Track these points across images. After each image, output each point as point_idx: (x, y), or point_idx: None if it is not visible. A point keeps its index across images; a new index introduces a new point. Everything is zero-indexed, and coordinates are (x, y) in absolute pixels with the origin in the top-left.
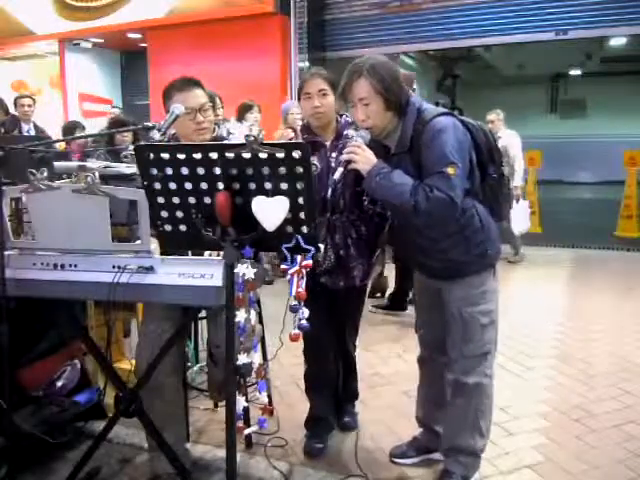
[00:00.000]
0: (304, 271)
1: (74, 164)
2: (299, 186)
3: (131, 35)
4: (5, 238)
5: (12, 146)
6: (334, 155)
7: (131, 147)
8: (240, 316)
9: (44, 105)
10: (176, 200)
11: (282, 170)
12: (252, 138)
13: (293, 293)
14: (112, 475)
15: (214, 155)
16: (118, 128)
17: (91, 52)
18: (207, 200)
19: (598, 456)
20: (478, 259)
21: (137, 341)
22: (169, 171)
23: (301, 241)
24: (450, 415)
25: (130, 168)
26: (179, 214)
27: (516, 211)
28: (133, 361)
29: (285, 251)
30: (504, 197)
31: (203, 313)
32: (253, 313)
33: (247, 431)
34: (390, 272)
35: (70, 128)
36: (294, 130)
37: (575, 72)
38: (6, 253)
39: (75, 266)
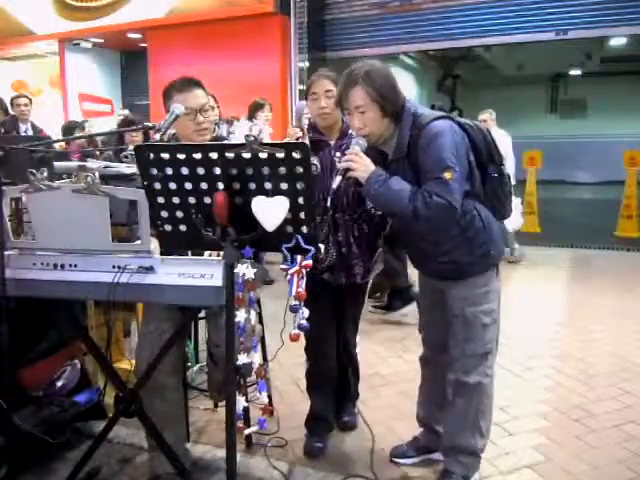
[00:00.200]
0: (304, 271)
1: (74, 164)
2: (299, 186)
3: (131, 35)
4: (5, 238)
5: (12, 146)
6: (338, 154)
7: (131, 147)
8: (240, 316)
9: (44, 105)
10: (176, 200)
11: (282, 170)
12: (252, 138)
13: (293, 293)
14: (112, 475)
15: (214, 155)
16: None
17: (91, 52)
18: (207, 200)
19: (598, 456)
20: (481, 260)
21: (137, 341)
22: (169, 171)
23: (301, 241)
24: (450, 414)
25: (130, 168)
26: (179, 214)
27: None
28: (133, 361)
29: (285, 251)
30: (506, 196)
31: (203, 313)
32: (253, 313)
33: (247, 431)
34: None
35: (70, 128)
36: (302, 129)
37: (575, 72)
38: (6, 253)
39: (75, 266)
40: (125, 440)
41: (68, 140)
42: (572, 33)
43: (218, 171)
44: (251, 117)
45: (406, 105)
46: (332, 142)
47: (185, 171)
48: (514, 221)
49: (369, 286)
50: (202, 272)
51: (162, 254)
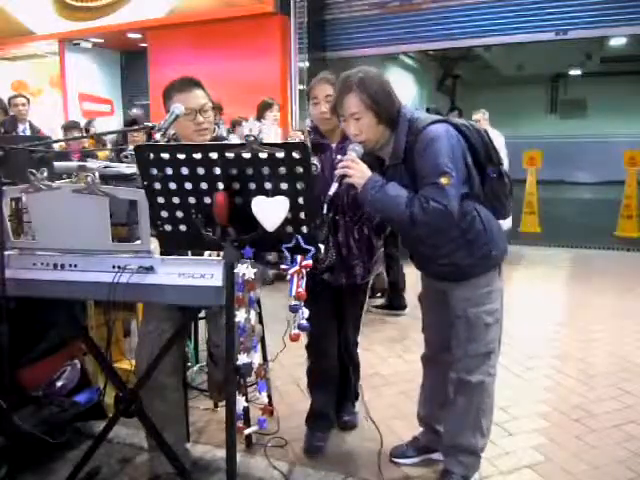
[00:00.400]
0: (304, 271)
1: (74, 164)
2: (299, 186)
3: (131, 35)
4: (5, 238)
5: (12, 146)
6: (339, 157)
7: (131, 147)
8: (240, 316)
9: (44, 105)
10: (176, 200)
11: (282, 170)
12: (252, 138)
13: (293, 293)
14: (112, 475)
15: (214, 155)
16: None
17: (91, 52)
18: (207, 200)
19: (598, 456)
20: (482, 261)
21: (137, 341)
22: (169, 171)
23: (301, 241)
24: (452, 413)
25: (130, 168)
26: (179, 214)
27: None
28: (133, 361)
29: (285, 251)
30: (506, 196)
31: (203, 313)
32: (253, 313)
33: (247, 431)
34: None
35: (70, 128)
36: (303, 132)
37: (575, 72)
38: (6, 253)
39: (75, 266)
40: (125, 440)
41: (68, 140)
42: (572, 33)
43: (218, 171)
44: (260, 117)
45: (402, 111)
46: (333, 145)
47: (185, 171)
48: (505, 222)
49: (369, 286)
50: (202, 272)
51: (162, 254)
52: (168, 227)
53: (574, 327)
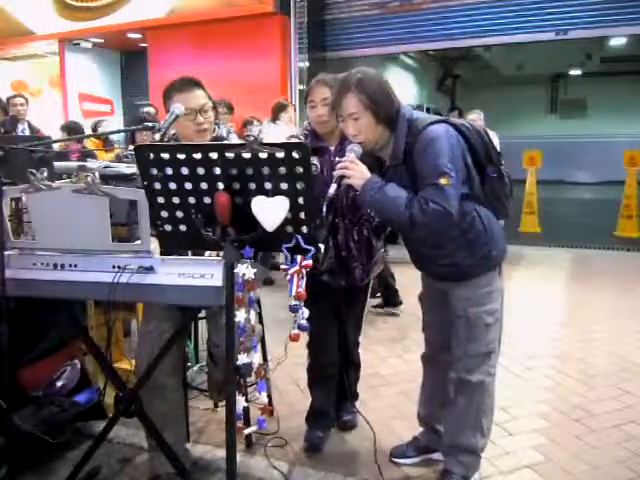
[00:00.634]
0: (304, 271)
1: (74, 164)
2: (299, 186)
3: (131, 35)
4: (5, 238)
5: (12, 146)
6: (337, 159)
7: (131, 147)
8: (240, 316)
9: (44, 105)
10: (176, 200)
11: (282, 170)
12: (252, 138)
13: (293, 293)
14: (112, 475)
15: (214, 155)
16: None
17: (91, 52)
18: (207, 200)
19: (598, 456)
20: (483, 261)
21: (137, 341)
22: (169, 171)
23: (301, 241)
24: (452, 413)
25: (130, 168)
26: (179, 214)
27: None
28: (133, 361)
29: (285, 251)
30: (506, 196)
31: (203, 313)
32: (253, 313)
33: (247, 431)
34: None
35: (70, 128)
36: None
37: (575, 72)
38: (6, 253)
39: (75, 266)
40: (125, 440)
41: (68, 140)
42: (572, 33)
43: (218, 171)
44: (275, 118)
45: (401, 111)
46: (332, 148)
47: (185, 171)
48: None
49: (370, 286)
50: (202, 272)
51: (162, 254)
52: (168, 227)
53: (574, 327)
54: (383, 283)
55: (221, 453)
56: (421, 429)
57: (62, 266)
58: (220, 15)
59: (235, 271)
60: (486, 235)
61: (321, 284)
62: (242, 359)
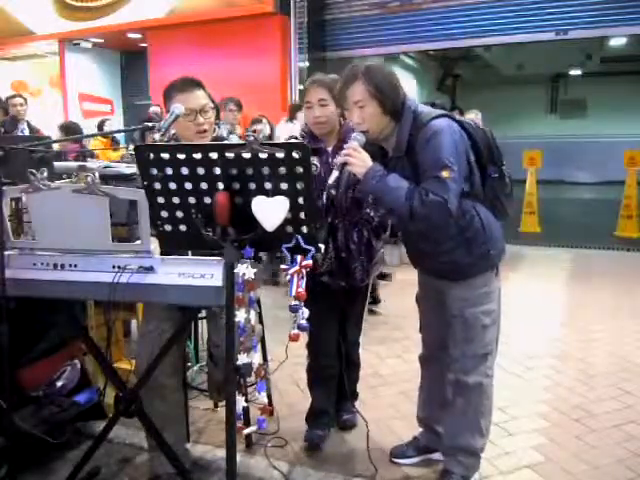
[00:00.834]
0: (304, 271)
1: (74, 164)
2: (299, 186)
3: (131, 35)
4: (5, 238)
5: (12, 146)
6: (335, 160)
7: (131, 147)
8: (240, 316)
9: (44, 105)
10: (176, 200)
11: (282, 170)
12: (252, 138)
13: (293, 293)
14: (112, 475)
15: (214, 155)
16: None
17: (91, 52)
18: (207, 200)
19: (598, 456)
20: (480, 260)
21: (137, 341)
22: (169, 171)
23: (301, 241)
24: (450, 415)
25: (130, 168)
26: (179, 214)
27: None
28: (133, 361)
29: (285, 251)
30: (506, 196)
31: (203, 313)
32: (253, 313)
33: (246, 431)
34: None
35: (68, 128)
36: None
37: (575, 72)
38: (6, 253)
39: (75, 266)
40: (125, 440)
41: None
42: (572, 33)
43: (218, 171)
44: (291, 117)
45: (407, 103)
46: (329, 148)
47: (185, 171)
48: None
49: (370, 287)
50: (202, 272)
51: (162, 254)
52: (168, 227)
53: (574, 327)
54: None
55: (221, 453)
56: (421, 429)
57: (62, 266)
58: (220, 15)
59: (235, 271)
60: (484, 234)
61: (321, 284)
62: (242, 359)
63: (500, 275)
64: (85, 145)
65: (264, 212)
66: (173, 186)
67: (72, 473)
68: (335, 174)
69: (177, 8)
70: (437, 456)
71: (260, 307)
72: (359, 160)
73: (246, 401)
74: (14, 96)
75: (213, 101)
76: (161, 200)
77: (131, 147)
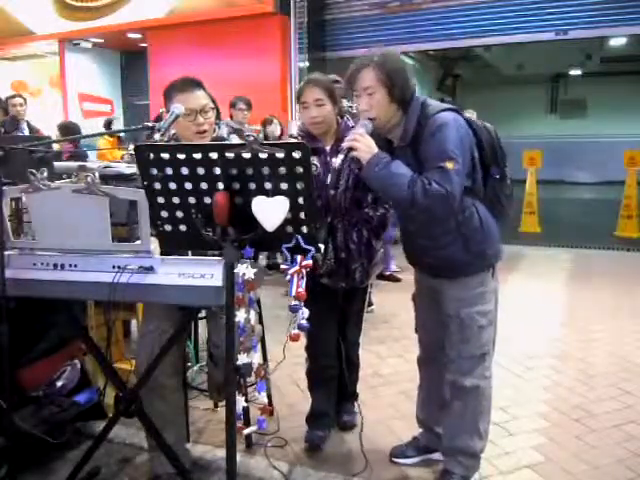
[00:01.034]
0: (304, 271)
1: (74, 164)
2: (299, 186)
3: (131, 35)
4: (5, 238)
5: (12, 146)
6: (334, 160)
7: (131, 147)
8: (240, 316)
9: (44, 105)
10: (176, 200)
11: (282, 170)
12: (252, 138)
13: (293, 293)
14: (112, 475)
15: (214, 155)
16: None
17: (91, 52)
18: (207, 200)
19: (598, 456)
20: (477, 259)
21: (137, 341)
22: (169, 171)
23: (301, 241)
24: (448, 417)
25: (130, 168)
26: (179, 214)
27: None
28: (133, 361)
29: (285, 251)
30: (506, 197)
31: (203, 313)
32: (253, 313)
33: (246, 431)
34: None
35: (67, 128)
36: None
37: (575, 72)
38: (6, 253)
39: (75, 266)
40: (125, 440)
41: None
42: (572, 33)
43: (218, 171)
44: None
45: (415, 95)
46: (327, 148)
47: (185, 171)
48: None
49: (369, 288)
50: (202, 272)
51: (162, 254)
52: (168, 227)
53: (574, 327)
54: None
55: (221, 453)
56: (421, 429)
57: (62, 266)
58: (220, 15)
59: (235, 271)
60: (482, 232)
61: (320, 284)
62: (242, 359)
63: (497, 276)
64: (80, 145)
65: (264, 212)
66: (173, 186)
67: (72, 473)
68: (340, 158)
69: (177, 8)
70: (437, 456)
71: (260, 307)
72: (364, 145)
73: (246, 401)
74: (14, 96)
75: (214, 101)
76: (161, 200)
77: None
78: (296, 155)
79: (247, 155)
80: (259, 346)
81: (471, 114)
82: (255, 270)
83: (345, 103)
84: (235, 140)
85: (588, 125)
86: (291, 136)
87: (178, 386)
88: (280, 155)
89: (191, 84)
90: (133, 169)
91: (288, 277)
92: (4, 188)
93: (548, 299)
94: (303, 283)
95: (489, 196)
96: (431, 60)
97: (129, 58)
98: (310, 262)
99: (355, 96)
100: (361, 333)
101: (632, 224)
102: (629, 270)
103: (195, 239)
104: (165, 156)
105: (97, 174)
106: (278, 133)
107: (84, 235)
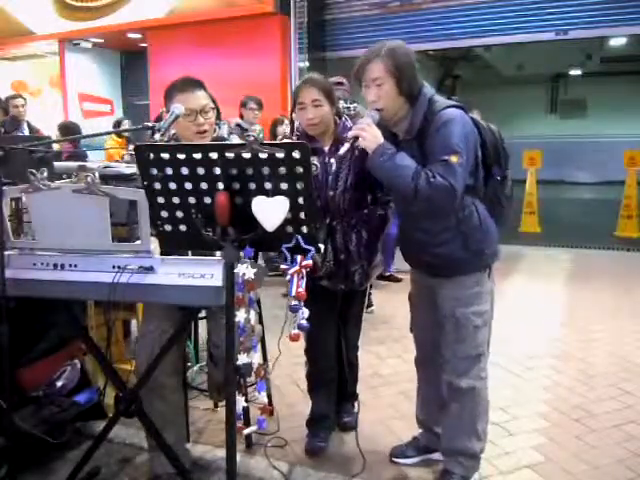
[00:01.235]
0: (304, 271)
1: (74, 164)
2: (299, 186)
3: (131, 35)
4: (5, 238)
5: (12, 146)
6: (332, 160)
7: (131, 147)
8: (240, 316)
9: (44, 105)
10: (176, 200)
11: (282, 170)
12: (252, 138)
13: (293, 293)
14: (112, 475)
15: (214, 155)
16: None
17: (91, 52)
18: (207, 200)
19: (598, 456)
20: (475, 257)
21: (137, 341)
22: (169, 171)
23: (301, 241)
24: (447, 418)
25: (130, 168)
26: (179, 214)
27: None
28: (133, 361)
29: (285, 251)
30: (506, 198)
31: (203, 313)
32: (253, 313)
33: (246, 431)
34: None
35: (66, 128)
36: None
37: (575, 72)
38: (6, 253)
39: (75, 266)
40: (125, 440)
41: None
42: (572, 33)
43: (218, 171)
44: None
45: (423, 90)
46: (326, 148)
47: (185, 171)
48: None
49: (369, 289)
50: (202, 272)
51: (162, 254)
52: (168, 227)
53: (574, 327)
54: None
55: (221, 453)
56: (421, 430)
57: (62, 266)
58: (220, 15)
59: (235, 271)
60: (481, 231)
61: (320, 285)
62: (242, 359)
63: (494, 277)
64: (80, 145)
65: (264, 212)
66: (173, 186)
67: (72, 473)
68: (346, 146)
69: (177, 8)
70: (437, 456)
71: (260, 307)
72: (371, 135)
73: (246, 401)
74: (14, 96)
75: (214, 101)
76: (161, 200)
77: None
78: (296, 155)
79: (247, 155)
80: (259, 346)
81: (477, 115)
82: (255, 270)
83: (342, 104)
84: (235, 140)
85: (588, 125)
86: (285, 136)
87: (178, 386)
88: (280, 155)
89: (191, 84)
90: (133, 169)
91: (288, 277)
92: (4, 188)
93: (548, 299)
94: (303, 283)
95: (489, 196)
96: (431, 60)
97: (129, 58)
98: (310, 262)
99: (364, 87)
100: (360, 334)
101: (632, 224)
102: (629, 270)
103: (195, 239)
104: (165, 156)
105: (97, 174)
106: (289, 133)
107: (84, 235)
